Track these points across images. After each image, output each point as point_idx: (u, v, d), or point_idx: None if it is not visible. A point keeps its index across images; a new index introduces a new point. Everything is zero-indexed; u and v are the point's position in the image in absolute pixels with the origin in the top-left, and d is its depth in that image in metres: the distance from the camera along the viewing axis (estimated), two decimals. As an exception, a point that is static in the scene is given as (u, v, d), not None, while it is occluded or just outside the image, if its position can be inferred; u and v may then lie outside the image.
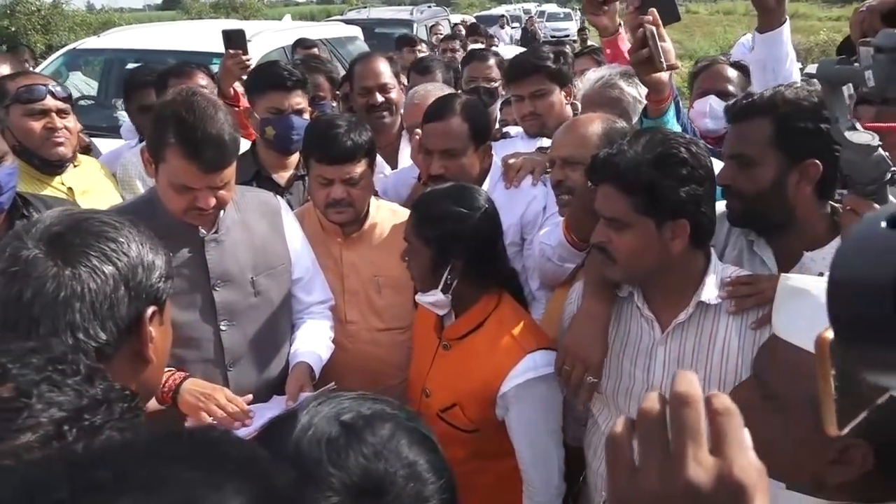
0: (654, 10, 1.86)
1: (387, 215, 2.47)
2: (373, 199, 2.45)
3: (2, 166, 2.00)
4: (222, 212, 2.00)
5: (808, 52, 12.90)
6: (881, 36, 1.25)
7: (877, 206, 1.28)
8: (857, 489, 0.88)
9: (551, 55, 2.90)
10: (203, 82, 2.92)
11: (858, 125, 1.33)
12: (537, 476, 1.82)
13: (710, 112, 2.75)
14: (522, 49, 5.92)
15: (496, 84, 3.73)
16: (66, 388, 0.79)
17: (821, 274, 1.25)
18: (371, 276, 2.36)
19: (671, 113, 1.96)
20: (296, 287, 2.21)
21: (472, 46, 6.24)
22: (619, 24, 2.42)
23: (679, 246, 1.56)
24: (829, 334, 0.79)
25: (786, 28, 2.00)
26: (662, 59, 1.85)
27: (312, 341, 2.18)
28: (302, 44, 5.54)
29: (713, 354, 1.59)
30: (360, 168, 2.26)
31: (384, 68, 3.08)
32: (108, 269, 1.06)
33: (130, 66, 5.47)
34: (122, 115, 4.26)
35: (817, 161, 1.61)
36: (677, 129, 1.98)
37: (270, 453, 0.76)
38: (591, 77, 2.34)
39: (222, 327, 2.00)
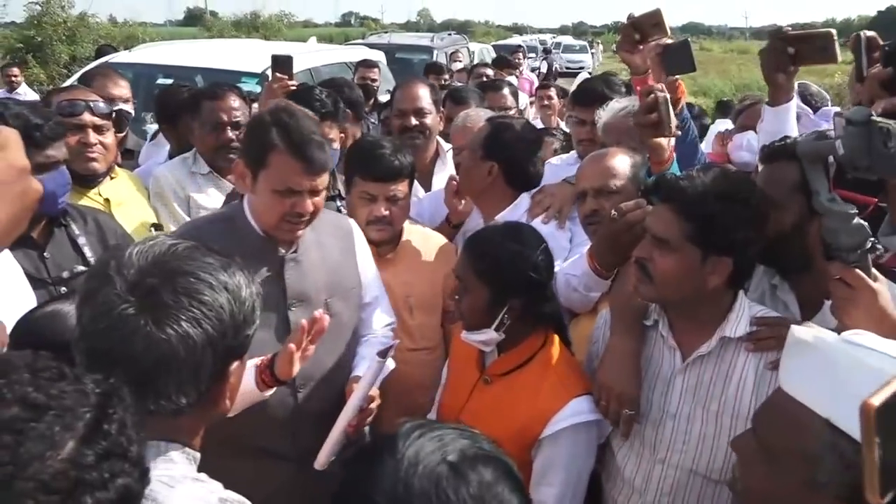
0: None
1: (418, 238, 2.53)
2: (406, 223, 2.50)
3: (50, 173, 2.04)
4: (300, 234, 1.98)
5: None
6: (853, 111, 1.35)
7: (861, 273, 1.35)
8: None
9: (623, 87, 2.95)
10: (236, 105, 2.94)
11: (837, 197, 1.41)
12: None
13: (746, 146, 2.88)
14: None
15: (511, 111, 3.80)
16: (67, 391, 0.77)
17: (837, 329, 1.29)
18: (403, 296, 2.40)
19: (674, 169, 1.98)
20: (365, 311, 2.20)
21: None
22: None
23: (715, 282, 1.59)
24: (875, 401, 0.82)
25: (793, 103, 2.11)
26: (672, 125, 1.91)
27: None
28: (365, 64, 5.95)
29: (729, 388, 1.62)
30: (402, 187, 2.35)
31: (423, 94, 3.16)
32: (198, 334, 1.02)
33: (160, 81, 5.59)
34: (151, 129, 4.32)
35: None
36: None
37: (377, 489, 0.80)
38: (614, 107, 2.40)
39: None
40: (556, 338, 1.88)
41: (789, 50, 2.02)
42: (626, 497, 1.77)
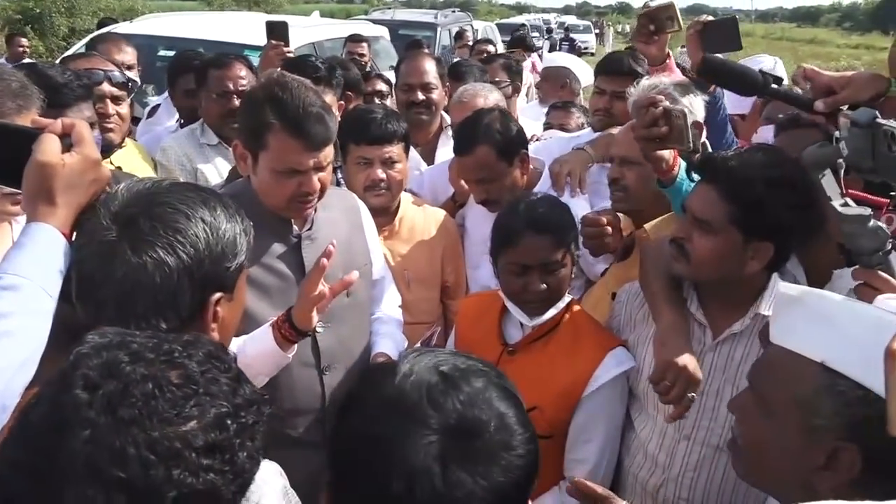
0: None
1: (416, 212, 2.53)
2: (403, 195, 2.51)
3: None
4: (313, 210, 1.94)
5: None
6: (858, 112, 1.34)
7: (885, 275, 1.33)
8: (847, 496, 0.90)
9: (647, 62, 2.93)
10: (242, 73, 2.94)
11: (850, 200, 1.38)
12: (601, 461, 1.81)
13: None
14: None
15: (503, 86, 3.76)
16: (223, 383, 0.82)
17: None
18: (401, 270, 2.41)
19: (683, 173, 1.94)
20: (375, 287, 2.17)
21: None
22: (668, 54, 2.48)
23: (755, 267, 1.58)
24: None
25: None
26: (690, 139, 1.79)
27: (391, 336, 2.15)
28: (353, 38, 5.81)
29: None
30: (397, 150, 2.35)
31: (430, 67, 3.14)
32: (173, 260, 1.07)
33: (162, 52, 5.54)
34: (152, 101, 4.30)
35: (859, 178, 1.64)
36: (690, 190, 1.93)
37: (372, 394, 0.85)
38: (644, 84, 2.38)
39: (318, 329, 1.88)
40: (577, 301, 1.92)
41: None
42: (649, 472, 1.77)
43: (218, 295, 1.14)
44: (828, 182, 1.40)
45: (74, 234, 1.14)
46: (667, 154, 1.89)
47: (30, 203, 1.12)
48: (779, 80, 1.65)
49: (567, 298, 1.87)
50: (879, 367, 0.94)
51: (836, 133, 1.39)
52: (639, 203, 2.11)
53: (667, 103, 1.83)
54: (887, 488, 0.86)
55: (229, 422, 0.79)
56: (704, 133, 2.21)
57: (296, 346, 1.75)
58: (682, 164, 1.95)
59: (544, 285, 1.81)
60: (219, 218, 1.14)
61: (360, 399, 0.88)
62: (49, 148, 1.12)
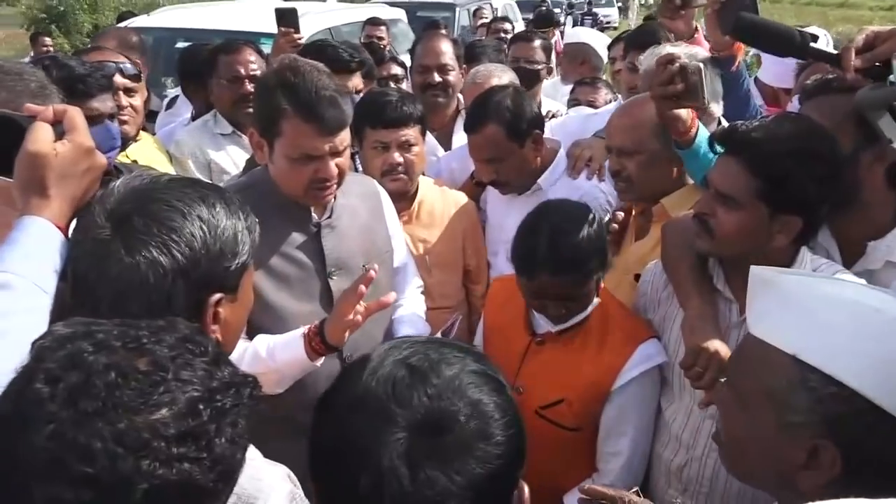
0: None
1: (436, 195, 2.49)
2: (422, 178, 2.46)
3: (94, 127, 2.00)
4: (332, 198, 1.91)
5: (860, 43, 12.46)
6: None
7: None
8: (828, 495, 0.85)
9: None
10: (252, 58, 2.92)
11: None
12: (634, 452, 1.79)
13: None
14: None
15: (539, 67, 3.66)
16: (197, 367, 0.79)
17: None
18: (421, 255, 2.37)
19: (701, 134, 1.88)
20: (397, 275, 2.13)
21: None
22: (696, 28, 2.40)
23: (783, 241, 1.51)
24: None
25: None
26: (706, 95, 1.77)
27: (411, 324, 2.13)
28: (371, 21, 5.68)
29: None
30: (414, 133, 2.31)
31: (447, 48, 3.06)
32: (168, 261, 1.03)
33: (180, 45, 5.55)
34: (170, 93, 4.31)
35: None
36: (708, 153, 1.89)
37: (342, 393, 0.83)
38: (658, 52, 2.30)
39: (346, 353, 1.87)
40: (608, 289, 1.86)
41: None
42: (673, 452, 1.75)
43: (218, 296, 1.10)
44: (886, 123, 1.33)
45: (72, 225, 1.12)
46: (684, 114, 1.83)
47: (22, 195, 1.09)
48: (814, 37, 1.56)
49: (594, 303, 1.79)
50: (856, 359, 0.88)
51: (891, 77, 1.33)
52: (646, 190, 2.03)
53: (684, 59, 1.78)
54: (872, 488, 0.80)
55: (202, 406, 0.76)
56: (721, 108, 2.13)
57: (324, 357, 1.74)
58: (701, 126, 1.88)
59: (564, 310, 1.75)
60: (217, 215, 1.10)
61: (332, 398, 0.86)
62: (40, 137, 1.08)
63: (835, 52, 1.51)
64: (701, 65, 1.79)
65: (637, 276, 2.02)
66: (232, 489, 0.82)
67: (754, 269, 1.05)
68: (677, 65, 1.77)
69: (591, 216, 1.72)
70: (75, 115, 1.13)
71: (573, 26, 17.42)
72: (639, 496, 1.41)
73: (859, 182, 1.61)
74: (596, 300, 1.79)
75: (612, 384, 1.74)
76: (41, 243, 1.06)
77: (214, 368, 0.81)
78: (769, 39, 1.62)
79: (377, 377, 0.82)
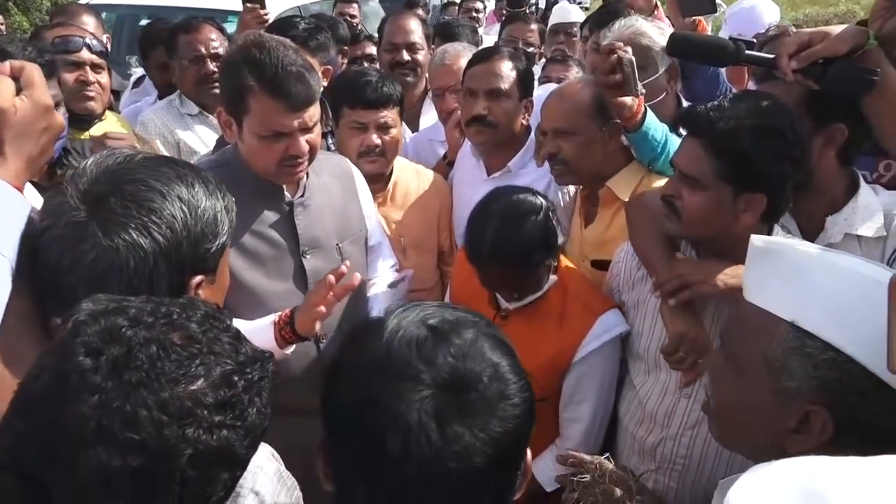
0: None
1: (410, 175, 2.46)
2: (397, 159, 2.43)
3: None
4: (305, 176, 1.90)
5: (827, 24, 12.61)
6: None
7: None
8: None
9: None
10: (213, 36, 2.83)
11: None
12: (594, 419, 1.83)
13: None
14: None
15: (533, 50, 3.63)
16: (224, 342, 0.82)
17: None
18: (396, 237, 2.35)
19: (649, 118, 1.89)
20: (370, 254, 2.12)
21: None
22: (655, 5, 2.40)
23: (749, 220, 1.51)
24: None
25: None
26: (637, 86, 1.84)
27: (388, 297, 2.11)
28: None
29: None
30: (392, 114, 2.27)
31: (415, 27, 3.02)
32: (148, 243, 1.00)
33: (143, 22, 5.40)
34: (136, 72, 4.20)
35: (843, 126, 1.58)
36: (659, 132, 1.92)
37: (362, 353, 0.83)
38: (618, 27, 2.28)
39: (321, 340, 1.89)
40: (566, 260, 1.87)
41: None
42: (647, 430, 1.76)
43: (199, 278, 1.08)
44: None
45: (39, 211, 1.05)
46: (629, 100, 1.84)
47: None
48: (751, 44, 1.61)
49: (551, 281, 1.81)
50: (853, 326, 0.91)
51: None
52: (583, 172, 2.03)
53: (623, 53, 1.82)
54: (856, 453, 0.82)
55: (236, 378, 0.80)
56: (679, 84, 2.14)
57: (294, 345, 1.72)
58: (649, 110, 1.90)
59: (516, 294, 1.79)
60: (197, 196, 1.07)
61: (351, 360, 0.86)
62: (1, 90, 1.02)
63: (770, 56, 1.56)
64: (631, 57, 1.83)
65: (594, 262, 2.03)
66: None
67: (754, 238, 1.07)
68: (615, 56, 1.81)
69: (539, 204, 1.73)
70: (33, 70, 1.06)
71: (546, 5, 17.31)
72: (610, 462, 1.45)
73: (811, 166, 1.62)
74: (553, 278, 1.81)
75: (574, 356, 1.77)
76: None
77: (238, 343, 0.84)
78: (704, 53, 1.69)
79: (399, 338, 0.82)
